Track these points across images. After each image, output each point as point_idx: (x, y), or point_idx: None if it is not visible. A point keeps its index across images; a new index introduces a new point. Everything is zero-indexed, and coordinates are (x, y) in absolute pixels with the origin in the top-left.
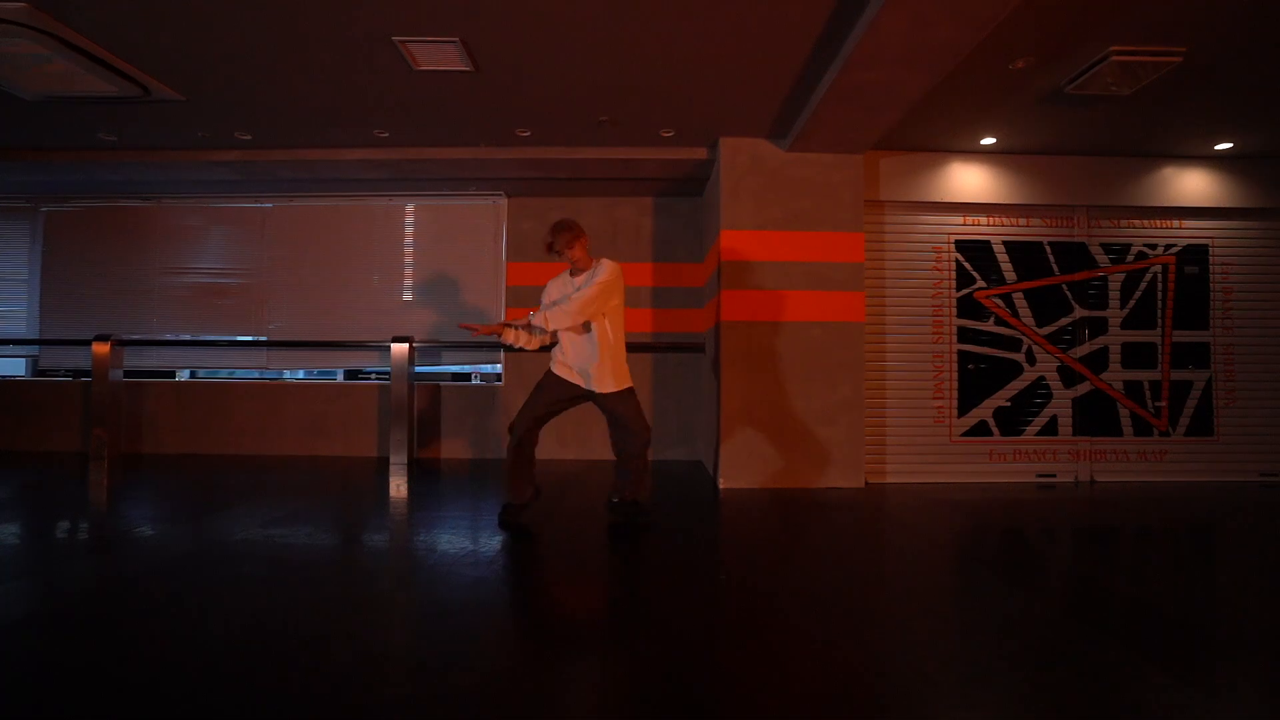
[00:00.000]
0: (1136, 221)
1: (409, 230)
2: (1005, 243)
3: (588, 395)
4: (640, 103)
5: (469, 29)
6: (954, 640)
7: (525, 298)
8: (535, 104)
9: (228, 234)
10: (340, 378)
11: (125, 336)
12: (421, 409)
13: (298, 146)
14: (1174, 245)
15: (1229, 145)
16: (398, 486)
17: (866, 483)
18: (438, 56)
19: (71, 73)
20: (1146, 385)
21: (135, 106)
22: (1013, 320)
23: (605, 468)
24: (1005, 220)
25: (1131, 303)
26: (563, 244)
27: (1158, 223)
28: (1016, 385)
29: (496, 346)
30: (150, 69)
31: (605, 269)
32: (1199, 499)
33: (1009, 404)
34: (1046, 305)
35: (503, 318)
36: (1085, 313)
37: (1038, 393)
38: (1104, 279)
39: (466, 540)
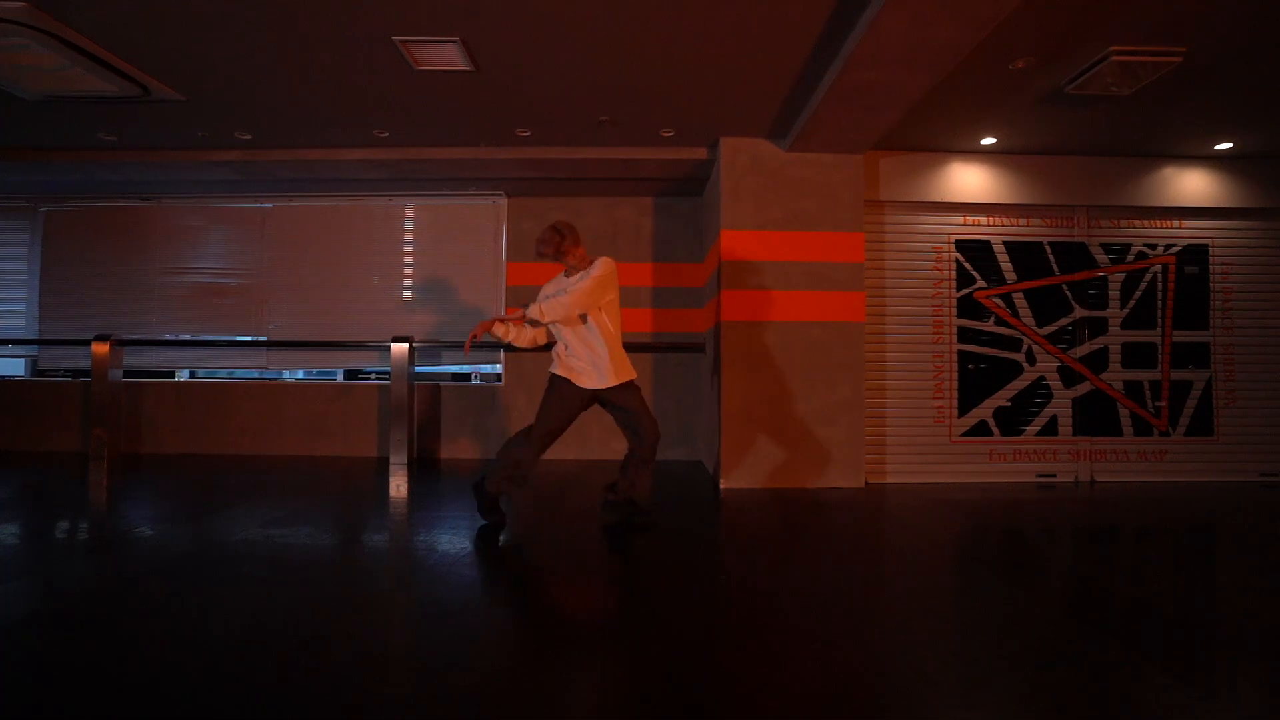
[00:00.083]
0: (1136, 221)
1: (409, 230)
2: (1005, 243)
3: (594, 398)
4: (640, 103)
5: (469, 29)
6: (954, 640)
7: (525, 298)
8: (535, 104)
9: (228, 234)
10: (340, 378)
11: (125, 336)
12: (421, 409)
13: (298, 146)
14: (1174, 245)
15: (1229, 145)
16: (398, 486)
17: (866, 483)
18: (438, 56)
19: (71, 72)
20: (1146, 385)
21: (135, 106)
22: (1013, 320)
23: (605, 468)
24: (1005, 220)
25: (1131, 303)
26: (551, 250)
27: (1158, 223)
28: (1017, 385)
29: (496, 346)
30: (150, 69)
31: (600, 264)
32: (1199, 499)
33: (1009, 404)
34: (1046, 305)
35: (503, 315)
36: (1085, 313)
37: (1038, 393)
38: (1104, 279)
39: (466, 540)
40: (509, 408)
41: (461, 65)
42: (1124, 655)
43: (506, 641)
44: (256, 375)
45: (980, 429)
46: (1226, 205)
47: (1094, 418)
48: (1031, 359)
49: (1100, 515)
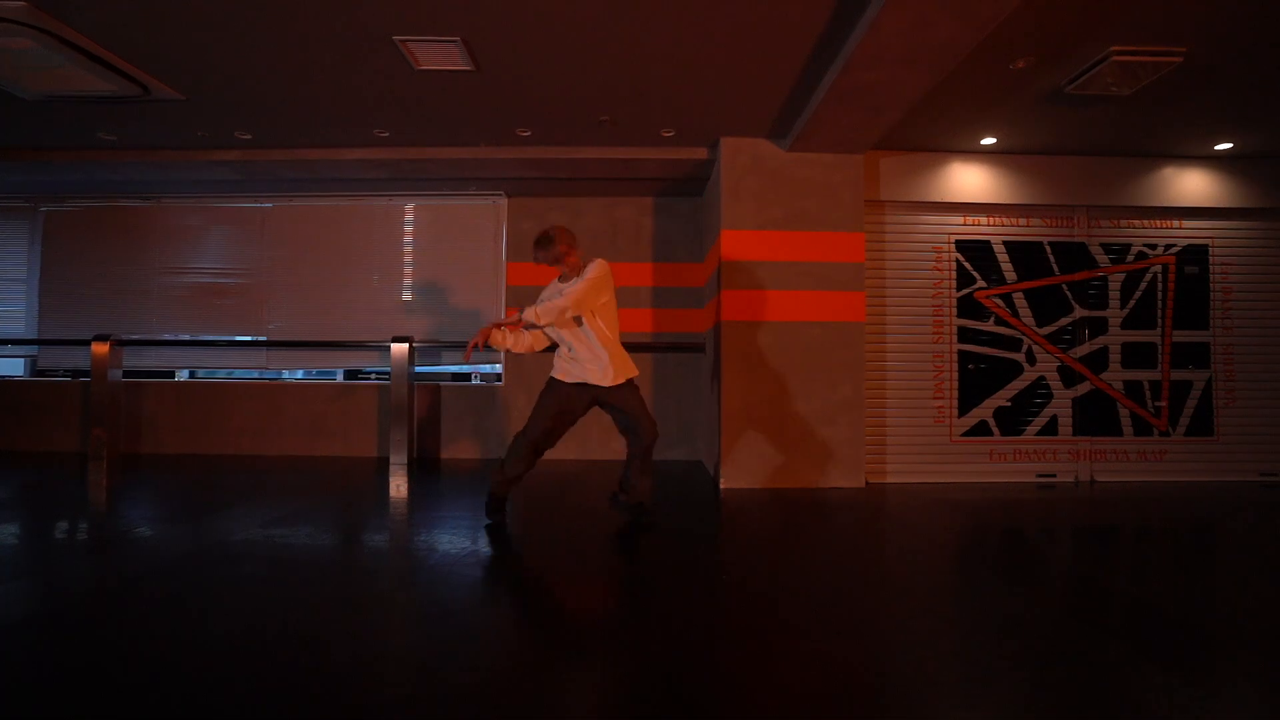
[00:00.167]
0: (1136, 221)
1: (409, 230)
2: (1005, 243)
3: (594, 399)
4: (641, 103)
5: (470, 28)
6: (954, 640)
7: (525, 298)
8: (536, 104)
9: (228, 234)
10: (340, 378)
11: (125, 336)
12: (421, 409)
13: (298, 146)
14: (1174, 245)
15: (1229, 145)
16: (398, 486)
17: (867, 482)
18: (439, 56)
19: (71, 72)
20: (1146, 385)
21: (135, 106)
22: (1013, 320)
23: (604, 468)
24: (1005, 220)
25: (1131, 303)
26: (546, 256)
27: (1158, 223)
28: (1017, 385)
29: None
30: (150, 69)
31: (594, 266)
32: (1199, 499)
33: (1009, 404)
34: (1046, 305)
35: (502, 318)
36: (1085, 313)
37: (1038, 393)
38: (1104, 279)
39: (466, 540)
40: (509, 408)
41: (462, 65)
42: (1124, 655)
43: (506, 641)
44: (256, 375)
45: (980, 429)
46: (1226, 205)
47: (1094, 418)
48: (1031, 359)
49: (1100, 515)
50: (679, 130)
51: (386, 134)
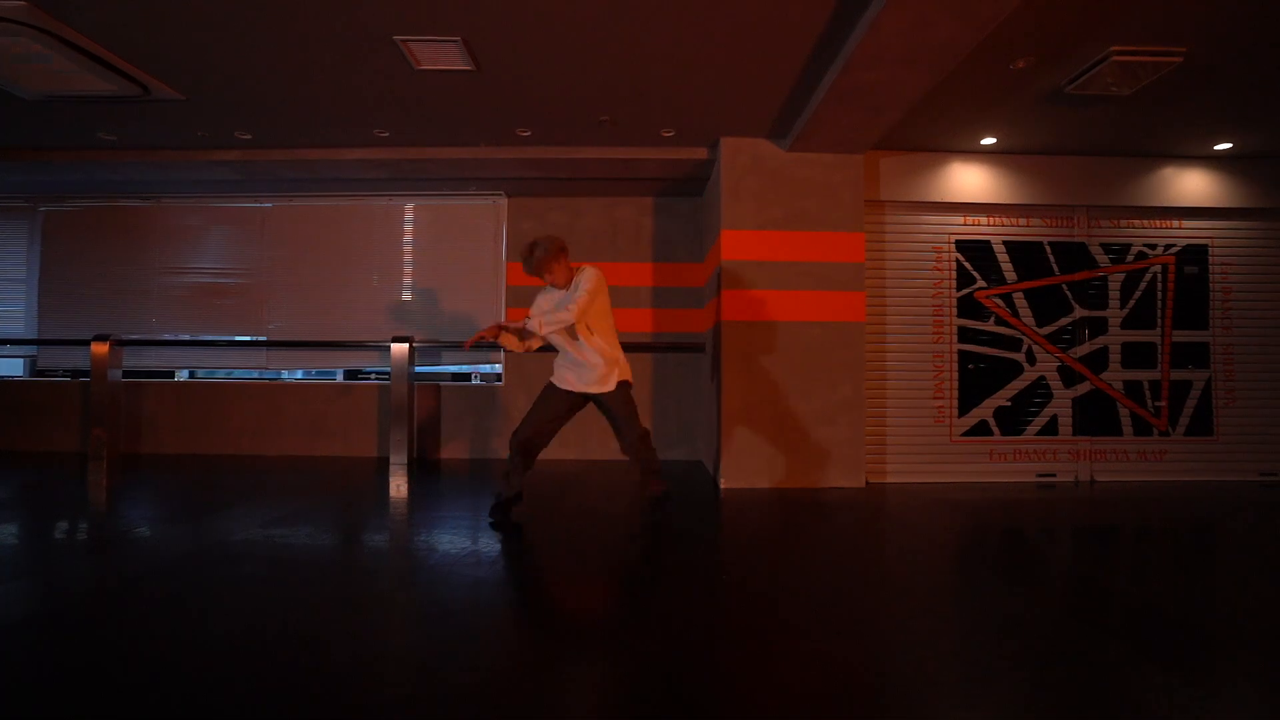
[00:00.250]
0: (1136, 221)
1: (408, 230)
2: (1005, 243)
3: (586, 399)
4: (640, 103)
5: (470, 28)
6: (954, 640)
7: (525, 298)
8: (536, 104)
9: (227, 234)
10: (340, 378)
11: (124, 336)
12: (421, 409)
13: (298, 146)
14: (1174, 245)
15: (1229, 145)
16: (398, 486)
17: (867, 482)
18: (439, 56)
19: (71, 72)
20: (1146, 385)
21: (135, 106)
22: (1013, 320)
23: (605, 467)
24: (1005, 220)
25: (1131, 303)
26: (536, 268)
27: (1157, 223)
28: (1017, 385)
29: (495, 347)
30: (150, 69)
31: (588, 276)
32: (1199, 499)
33: (1009, 404)
34: (1046, 305)
35: (503, 318)
36: (1085, 312)
37: (1038, 392)
38: (1104, 279)
39: (466, 540)
40: (509, 408)
41: (462, 65)
42: (1124, 655)
43: (506, 641)
44: (256, 375)
45: (980, 429)
46: (1226, 205)
47: (1094, 417)
48: (1031, 359)
49: (1100, 515)
50: (679, 130)
51: (386, 134)
